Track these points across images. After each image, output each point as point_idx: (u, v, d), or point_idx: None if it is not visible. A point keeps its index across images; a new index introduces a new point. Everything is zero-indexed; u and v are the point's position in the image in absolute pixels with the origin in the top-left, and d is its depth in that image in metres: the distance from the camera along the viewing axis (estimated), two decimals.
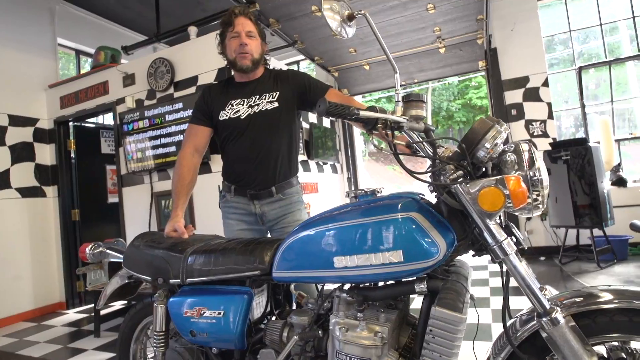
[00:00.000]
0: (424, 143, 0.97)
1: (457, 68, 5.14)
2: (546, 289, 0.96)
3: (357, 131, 5.92)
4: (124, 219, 3.80)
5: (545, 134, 4.49)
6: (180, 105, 3.35)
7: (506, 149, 0.97)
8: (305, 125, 4.40)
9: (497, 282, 3.47)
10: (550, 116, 4.48)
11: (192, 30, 3.56)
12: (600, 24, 4.99)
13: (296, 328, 1.10)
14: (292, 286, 1.33)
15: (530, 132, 4.53)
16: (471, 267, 1.14)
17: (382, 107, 0.92)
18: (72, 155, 4.34)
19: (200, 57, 3.38)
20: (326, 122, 5.04)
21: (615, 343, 0.98)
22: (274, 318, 1.28)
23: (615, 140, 4.71)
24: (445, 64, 5.07)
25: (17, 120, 4.02)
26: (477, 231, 0.96)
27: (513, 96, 4.60)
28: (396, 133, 0.99)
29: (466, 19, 4.18)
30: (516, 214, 0.99)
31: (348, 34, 1.04)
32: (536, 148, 4.40)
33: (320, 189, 4.47)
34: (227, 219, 1.73)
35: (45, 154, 4.25)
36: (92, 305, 3.24)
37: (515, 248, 0.93)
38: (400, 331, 1.09)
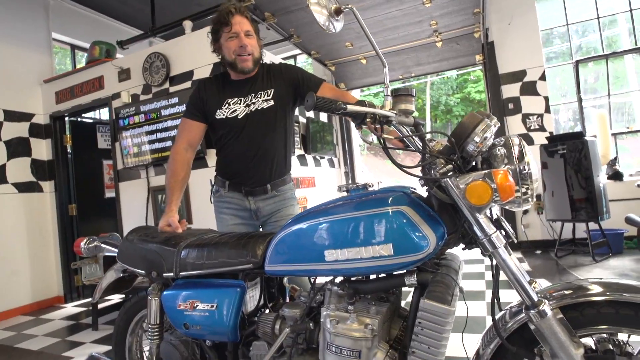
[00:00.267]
0: (414, 137, 0.97)
1: (454, 62, 5.13)
2: (535, 282, 0.97)
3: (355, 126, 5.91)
4: (121, 213, 3.81)
5: (542, 128, 4.49)
6: (176, 100, 3.34)
7: (496, 142, 0.98)
8: (302, 120, 4.39)
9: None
10: (547, 110, 4.49)
11: (187, 24, 3.54)
12: (598, 17, 4.98)
13: (288, 320, 1.11)
14: (285, 279, 1.34)
15: (527, 126, 4.54)
16: (463, 261, 1.15)
17: (371, 102, 0.92)
18: (69, 150, 4.33)
19: (195, 52, 3.37)
20: (323, 116, 5.03)
21: (604, 335, 0.99)
22: (267, 311, 1.29)
23: (612, 134, 4.72)
24: (442, 57, 5.06)
25: (12, 116, 4.01)
26: (467, 225, 0.96)
27: (510, 90, 4.60)
28: (388, 128, 0.99)
29: (463, 13, 4.17)
30: (506, 207, 1.00)
31: (336, 28, 1.04)
32: (532, 143, 4.41)
33: (318, 183, 4.48)
34: (220, 214, 1.74)
35: (42, 149, 4.24)
36: (90, 299, 3.26)
37: (504, 241, 0.94)
38: (392, 324, 1.10)
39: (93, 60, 4.02)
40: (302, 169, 4.23)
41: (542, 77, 4.49)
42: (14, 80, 4.06)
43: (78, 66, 4.58)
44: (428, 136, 1.05)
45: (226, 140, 1.67)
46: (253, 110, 1.63)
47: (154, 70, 3.57)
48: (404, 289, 1.10)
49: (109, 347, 2.64)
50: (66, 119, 4.29)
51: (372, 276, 1.06)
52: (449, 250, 1.15)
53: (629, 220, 3.51)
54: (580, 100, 4.76)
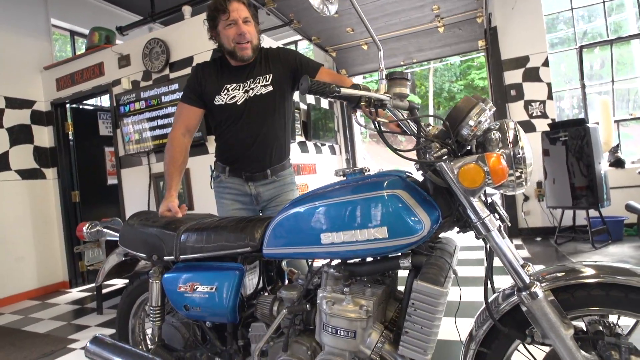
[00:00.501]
0: (409, 121, 0.97)
1: (456, 48, 5.08)
2: (529, 265, 0.99)
3: (359, 113, 5.90)
4: (123, 200, 3.84)
5: (544, 115, 4.46)
6: (176, 86, 3.33)
7: (492, 127, 0.98)
8: (303, 107, 4.38)
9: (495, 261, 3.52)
10: (550, 97, 4.45)
11: (186, 9, 3.51)
12: (604, 1, 4.90)
13: (285, 302, 1.13)
14: (283, 263, 1.37)
15: (529, 112, 4.51)
16: (458, 245, 1.17)
17: (365, 86, 0.92)
18: (70, 137, 4.35)
19: (195, 37, 3.35)
20: (324, 103, 5.02)
21: (594, 317, 1.01)
22: (265, 294, 1.32)
23: (615, 121, 4.69)
24: (444, 43, 5.01)
25: (13, 103, 4.02)
26: (461, 208, 0.97)
27: (513, 76, 4.56)
28: (383, 112, 0.99)
29: None
30: (501, 191, 1.01)
31: (330, 10, 1.04)
32: (534, 130, 4.39)
33: (319, 170, 4.49)
34: (221, 199, 1.76)
35: (44, 136, 4.26)
36: (94, 284, 3.32)
37: (497, 225, 0.95)
38: (388, 306, 1.12)
39: (93, 46, 4.00)
40: (303, 155, 4.24)
41: (545, 63, 4.44)
42: (14, 67, 4.05)
43: (78, 53, 4.56)
44: (430, 120, 1.05)
45: (225, 126, 1.67)
46: (252, 96, 1.63)
47: (153, 57, 3.56)
48: (400, 272, 1.12)
49: (114, 331, 2.70)
50: (67, 105, 4.30)
51: (368, 259, 1.08)
52: (445, 235, 1.17)
53: (629, 208, 3.51)
54: (583, 86, 4.71)
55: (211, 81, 1.66)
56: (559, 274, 0.97)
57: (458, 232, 1.05)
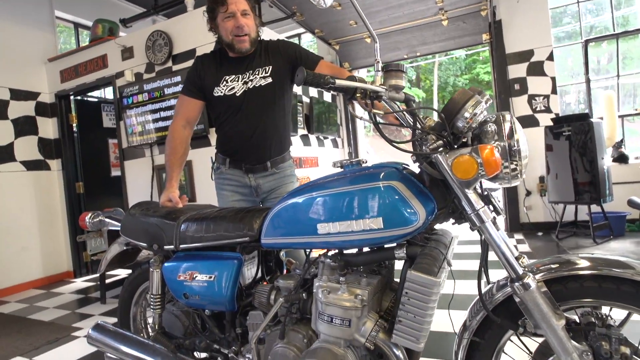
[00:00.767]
0: (404, 112, 0.98)
1: (460, 41, 5.04)
2: (523, 257, 1.00)
3: (358, 106, 5.89)
4: (127, 191, 3.87)
5: (548, 110, 4.44)
6: (179, 78, 3.34)
7: (488, 119, 0.99)
8: (306, 100, 4.38)
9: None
10: (554, 91, 4.42)
11: (189, 2, 3.51)
12: None
13: (283, 291, 1.15)
14: (282, 253, 1.38)
15: (533, 107, 4.48)
16: (454, 237, 1.18)
17: (361, 77, 0.93)
18: (75, 129, 4.39)
19: (198, 30, 3.35)
20: (327, 96, 5.01)
21: (587, 309, 1.02)
22: (264, 284, 1.34)
23: (620, 116, 4.65)
24: (448, 36, 4.97)
25: (18, 94, 4.05)
26: (456, 200, 0.98)
27: (517, 70, 4.53)
28: (379, 104, 1.00)
29: None
30: (496, 183, 1.01)
31: (326, 3, 1.04)
32: (538, 124, 4.37)
33: (321, 163, 4.50)
34: (221, 190, 1.77)
35: (48, 127, 4.30)
36: (99, 275, 3.37)
37: (491, 216, 0.96)
38: (383, 296, 1.13)
39: (96, 38, 4.02)
40: (305, 148, 4.25)
41: (550, 57, 4.41)
42: (19, 59, 4.08)
43: (82, 45, 4.58)
44: (435, 114, 1.05)
45: (225, 117, 1.68)
46: (251, 87, 1.63)
47: (156, 49, 3.57)
48: (396, 265, 1.14)
49: (116, 320, 2.74)
50: (71, 97, 4.33)
51: (364, 249, 1.10)
52: (441, 227, 1.18)
53: (631, 203, 3.49)
54: (588, 81, 4.67)
55: (210, 73, 1.67)
56: (552, 266, 0.98)
57: (453, 224, 1.06)
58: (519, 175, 0.97)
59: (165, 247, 1.33)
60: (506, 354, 1.06)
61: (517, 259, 0.96)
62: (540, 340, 1.03)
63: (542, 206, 4.47)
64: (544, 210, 4.46)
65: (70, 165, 4.31)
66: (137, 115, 3.61)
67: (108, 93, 5.15)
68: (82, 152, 4.39)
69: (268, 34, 3.46)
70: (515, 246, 0.97)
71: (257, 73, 1.64)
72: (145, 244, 1.40)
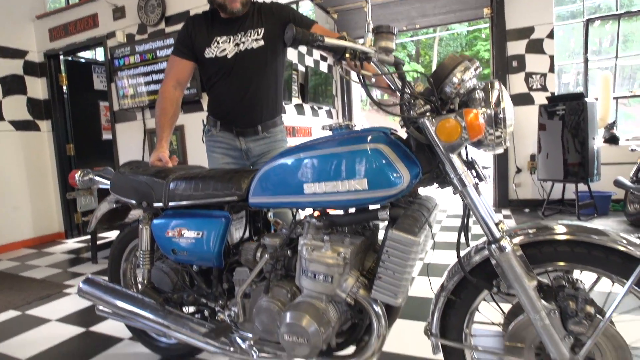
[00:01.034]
0: (394, 76, 0.98)
1: (460, 15, 4.94)
2: (503, 223, 1.03)
3: (355, 78, 5.83)
4: (118, 155, 3.86)
5: (544, 88, 4.43)
6: (171, 41, 3.27)
7: (477, 86, 1.00)
8: (301, 69, 4.32)
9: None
10: (552, 70, 4.40)
11: None
12: None
13: (269, 248, 1.18)
14: (269, 214, 1.41)
15: (530, 85, 4.47)
16: (438, 204, 1.21)
17: (351, 38, 0.92)
18: (65, 90, 4.30)
19: None
20: (323, 66, 4.94)
21: (560, 273, 1.07)
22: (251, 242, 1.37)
23: (614, 98, 4.66)
24: (448, 9, 4.87)
25: (5, 52, 3.93)
26: (441, 165, 1.01)
27: (516, 47, 4.48)
28: (368, 65, 1.00)
29: None
30: (481, 150, 1.03)
31: None
32: (533, 103, 4.36)
33: (315, 133, 4.49)
34: (212, 153, 1.78)
35: (37, 87, 4.21)
36: (90, 236, 3.40)
37: (473, 181, 0.99)
38: (366, 257, 1.17)
39: None
40: (299, 117, 4.23)
41: (550, 35, 4.36)
42: (5, 15, 3.94)
43: (71, 3, 4.42)
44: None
45: (216, 80, 1.67)
46: (242, 50, 1.61)
47: (149, 9, 3.46)
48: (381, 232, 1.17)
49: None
50: (61, 57, 4.22)
51: (350, 211, 1.13)
52: (426, 194, 1.21)
53: (617, 183, 3.57)
54: (586, 60, 4.65)
55: (202, 33, 1.65)
56: (530, 231, 1.02)
57: (437, 188, 1.08)
58: (502, 142, 0.99)
59: (155, 204, 1.35)
60: (480, 312, 1.12)
61: (497, 224, 0.99)
62: (513, 300, 1.08)
63: (531, 184, 4.54)
64: (532, 188, 4.53)
65: (61, 126, 4.26)
66: (128, 78, 3.54)
67: (99, 54, 5.02)
68: (72, 114, 4.33)
69: None
70: (501, 221, 1.00)
71: (249, 35, 1.62)
72: (134, 202, 1.41)
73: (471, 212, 1.00)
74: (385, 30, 0.95)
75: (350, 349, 1.14)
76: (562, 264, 1.00)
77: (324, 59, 5.00)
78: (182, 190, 1.28)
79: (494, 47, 4.62)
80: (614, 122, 4.43)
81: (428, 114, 0.96)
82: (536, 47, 4.41)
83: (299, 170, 1.07)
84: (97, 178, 1.67)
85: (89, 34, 3.88)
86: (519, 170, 4.57)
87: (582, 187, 3.87)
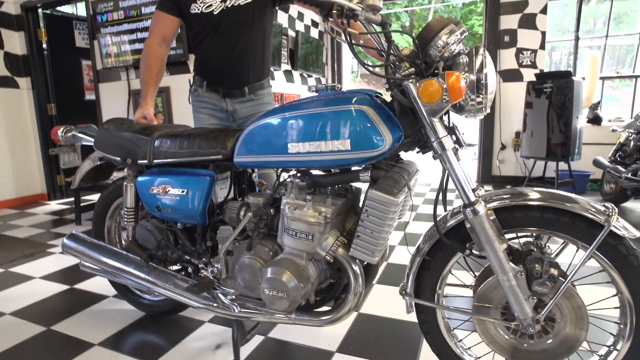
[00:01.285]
0: (380, 36, 0.98)
1: None
2: (480, 189, 1.07)
3: (346, 47, 5.72)
4: (102, 116, 3.77)
5: (534, 65, 4.43)
6: None
7: (462, 51, 1.00)
8: (291, 34, 4.22)
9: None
10: (542, 46, 4.39)
11: None
12: None
13: (252, 207, 1.21)
14: (254, 175, 1.43)
15: (520, 61, 4.46)
16: (419, 170, 1.24)
17: None
18: (44, 46, 4.13)
19: None
20: (314, 32, 4.83)
21: (530, 239, 1.12)
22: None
23: (601, 78, 4.71)
24: None
25: None
26: (423, 129, 1.03)
27: (508, 21, 4.44)
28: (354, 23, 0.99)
29: None
30: (463, 116, 1.05)
31: None
32: (522, 79, 4.37)
33: None
34: (198, 113, 1.76)
35: (15, 42, 4.03)
36: (74, 198, 3.37)
37: (453, 145, 1.01)
38: (347, 218, 1.21)
39: None
40: (287, 84, 4.17)
41: (544, 11, 4.33)
42: None
43: None
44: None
45: (202, 37, 1.63)
46: (229, 6, 1.57)
47: None
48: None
49: None
50: (39, 11, 4.02)
51: (332, 172, 1.15)
52: (408, 159, 1.23)
53: (596, 163, 3.67)
54: (577, 38, 4.65)
55: None
56: (505, 196, 1.06)
57: (417, 152, 1.11)
58: (483, 108, 1.01)
59: (139, 161, 1.35)
60: (453, 274, 1.17)
61: (474, 190, 1.03)
62: (485, 263, 1.14)
63: (514, 161, 4.62)
64: (515, 165, 4.63)
65: (41, 85, 4.12)
66: (112, 35, 3.42)
67: (80, 10, 4.80)
68: (53, 72, 4.17)
69: None
70: (479, 187, 1.04)
71: None
72: (119, 158, 1.41)
73: (449, 177, 1.03)
74: None
75: (329, 306, 1.19)
76: (532, 229, 1.05)
77: (315, 25, 4.88)
78: (167, 147, 1.28)
79: (487, 20, 4.57)
80: (598, 103, 4.49)
81: (412, 76, 0.97)
82: (529, 22, 4.38)
83: (284, 130, 1.08)
84: (80, 135, 1.65)
85: None
86: (503, 147, 4.64)
87: (562, 165, 3.96)
